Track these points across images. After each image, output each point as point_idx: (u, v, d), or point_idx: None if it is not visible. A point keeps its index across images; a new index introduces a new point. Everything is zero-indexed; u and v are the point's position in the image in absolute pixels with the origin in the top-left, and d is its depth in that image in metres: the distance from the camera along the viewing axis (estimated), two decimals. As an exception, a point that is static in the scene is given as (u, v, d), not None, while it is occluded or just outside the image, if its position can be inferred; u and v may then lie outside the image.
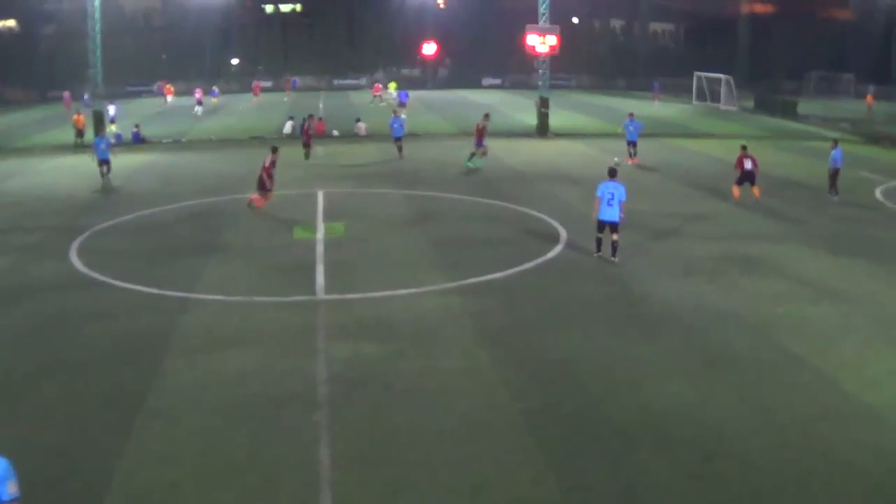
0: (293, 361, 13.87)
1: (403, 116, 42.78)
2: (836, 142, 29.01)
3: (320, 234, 22.71)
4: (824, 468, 10.46)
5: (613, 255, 19.26)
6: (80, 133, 43.29)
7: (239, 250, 21.31)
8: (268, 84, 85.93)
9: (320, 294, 17.47)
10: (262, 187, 25.85)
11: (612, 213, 19.10)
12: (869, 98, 66.34)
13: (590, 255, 19.96)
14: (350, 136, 45.60)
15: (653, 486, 10.03)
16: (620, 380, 13.13)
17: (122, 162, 35.83)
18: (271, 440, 11.14)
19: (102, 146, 31.81)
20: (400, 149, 37.15)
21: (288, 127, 46.06)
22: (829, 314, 16.27)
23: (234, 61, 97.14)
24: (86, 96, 58.58)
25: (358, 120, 47.47)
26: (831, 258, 20.41)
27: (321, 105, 61.39)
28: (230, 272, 19.27)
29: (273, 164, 25.94)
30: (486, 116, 35.87)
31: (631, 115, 36.82)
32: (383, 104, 66.07)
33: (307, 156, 36.56)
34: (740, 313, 16.18)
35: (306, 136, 37.30)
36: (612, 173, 19.65)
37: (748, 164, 26.47)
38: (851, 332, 15.23)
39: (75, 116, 44.80)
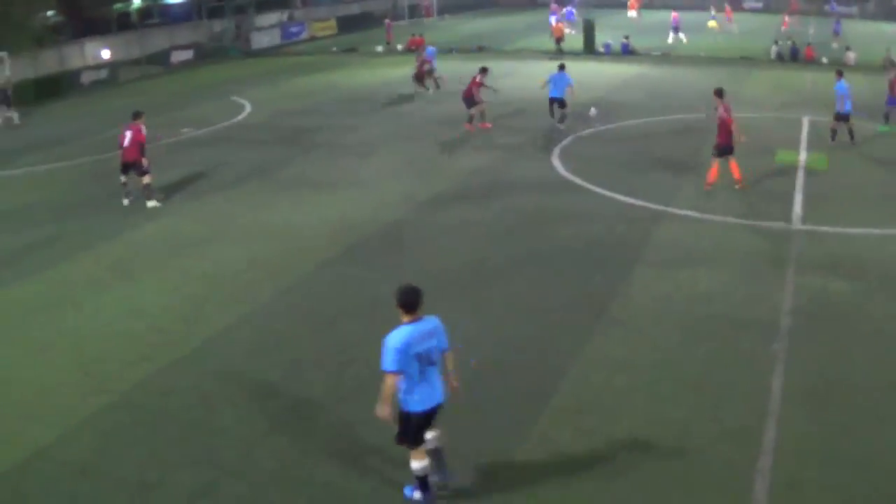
0: (759, 288, 13.47)
1: None
2: None
3: (803, 161, 21.37)
4: None
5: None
6: (558, 41, 46.56)
7: (699, 168, 20.17)
8: (758, 5, 79.28)
9: (796, 223, 16.64)
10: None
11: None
12: None
13: None
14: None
15: None
16: None
17: (611, 71, 37.53)
18: (726, 363, 11.02)
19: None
20: None
21: (773, 52, 43.34)
22: None
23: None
24: (568, 9, 59.92)
25: (847, 48, 42.69)
26: None
27: (811, 31, 55.72)
28: (705, 191, 18.66)
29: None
30: None
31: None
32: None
33: None
34: None
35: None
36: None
37: None
38: None
39: (554, 25, 48.85)
